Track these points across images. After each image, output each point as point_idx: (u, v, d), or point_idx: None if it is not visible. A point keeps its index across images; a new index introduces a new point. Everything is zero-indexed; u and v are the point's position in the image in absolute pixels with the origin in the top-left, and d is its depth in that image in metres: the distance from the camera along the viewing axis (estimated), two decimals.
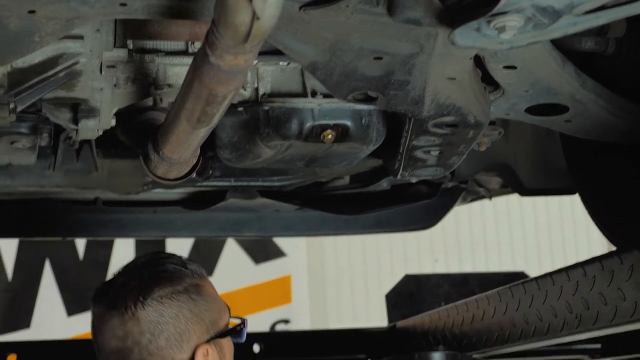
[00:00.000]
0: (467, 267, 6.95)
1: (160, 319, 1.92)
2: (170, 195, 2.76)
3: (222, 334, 1.98)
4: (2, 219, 2.80)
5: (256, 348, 3.17)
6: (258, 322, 6.33)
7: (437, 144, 1.95)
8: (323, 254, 6.87)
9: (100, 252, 6.52)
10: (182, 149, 1.82)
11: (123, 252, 6.51)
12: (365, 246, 6.85)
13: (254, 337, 3.23)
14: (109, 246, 6.52)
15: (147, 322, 1.92)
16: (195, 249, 6.64)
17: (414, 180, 2.47)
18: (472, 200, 3.29)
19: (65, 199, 2.70)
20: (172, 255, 2.06)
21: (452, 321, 2.66)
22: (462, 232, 7.03)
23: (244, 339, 2.05)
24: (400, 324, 3.12)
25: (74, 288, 6.35)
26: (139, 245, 6.52)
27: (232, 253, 6.71)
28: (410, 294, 3.43)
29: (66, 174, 2.30)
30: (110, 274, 5.79)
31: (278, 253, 6.76)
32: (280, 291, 6.71)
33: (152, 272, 1.97)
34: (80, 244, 6.48)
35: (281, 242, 6.71)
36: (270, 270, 6.75)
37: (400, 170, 2.09)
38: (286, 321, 6.52)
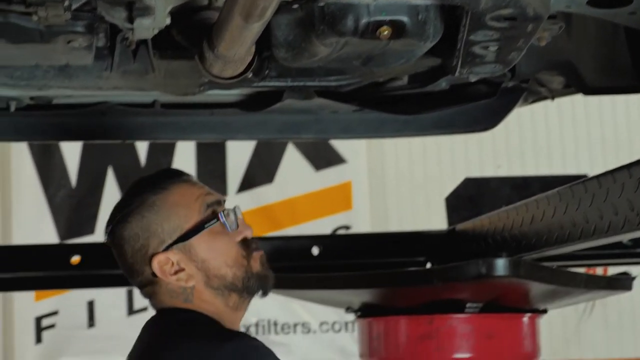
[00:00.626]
0: (530, 173, 6.88)
1: (121, 241, 2.22)
2: (227, 97, 2.76)
3: (183, 237, 2.18)
4: (62, 122, 2.85)
5: (315, 251, 3.21)
6: (319, 229, 6.38)
7: (495, 38, 1.92)
8: (383, 160, 6.85)
9: (162, 159, 6.58)
10: (236, 45, 1.82)
11: (184, 157, 6.58)
12: (426, 152, 6.82)
13: (313, 239, 3.27)
14: (169, 152, 6.59)
15: (116, 246, 2.24)
16: (255, 155, 6.68)
17: (472, 78, 2.43)
18: (534, 101, 3.23)
19: (124, 102, 2.73)
20: (149, 176, 2.29)
21: (512, 222, 2.66)
22: (525, 137, 6.93)
23: (229, 228, 2.20)
24: (460, 226, 3.12)
25: None
26: (200, 150, 6.59)
27: (293, 159, 6.72)
28: (469, 197, 3.43)
29: (123, 75, 2.31)
30: None
31: (338, 159, 6.76)
32: (341, 197, 6.73)
33: (122, 200, 2.26)
34: (142, 150, 6.56)
35: (341, 148, 6.70)
36: (330, 176, 6.76)
37: (458, 68, 2.07)
38: (347, 227, 6.56)
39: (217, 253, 2.20)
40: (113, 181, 6.53)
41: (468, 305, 2.67)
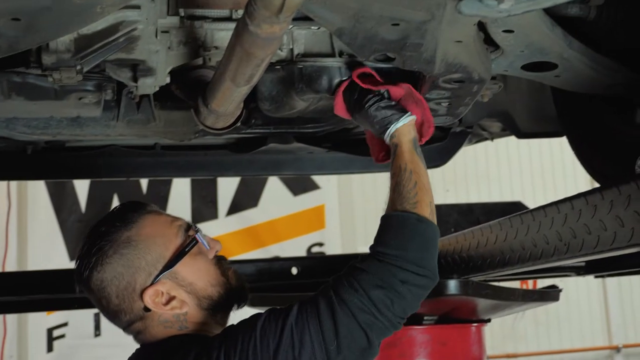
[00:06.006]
0: (474, 197, 6.97)
1: (102, 284, 1.88)
2: (219, 141, 2.76)
3: (168, 265, 1.88)
4: (74, 163, 2.81)
5: (294, 270, 3.19)
6: (297, 245, 6.40)
7: (446, 96, 1.95)
8: (352, 186, 6.89)
9: (161, 188, 6.57)
10: (227, 103, 1.83)
11: (180, 187, 6.56)
12: (387, 180, 6.84)
13: (292, 261, 3.25)
14: (168, 182, 6.57)
15: (97, 290, 1.89)
16: (242, 184, 6.69)
17: None
18: (477, 141, 3.28)
19: (128, 144, 2.71)
20: (109, 215, 1.95)
21: (461, 247, 2.64)
22: (469, 168, 7.04)
23: (207, 246, 1.93)
24: None
25: None
26: (194, 179, 6.57)
27: (274, 186, 6.75)
28: None
29: (128, 124, 2.27)
30: (169, 207, 5.87)
31: (313, 186, 6.79)
32: (315, 218, 6.75)
33: (90, 245, 1.90)
34: (144, 180, 6.53)
35: (316, 177, 6.72)
36: (306, 200, 6.78)
37: None
38: (320, 244, 6.57)
39: (201, 274, 1.91)
40: None
41: (425, 318, 2.67)
